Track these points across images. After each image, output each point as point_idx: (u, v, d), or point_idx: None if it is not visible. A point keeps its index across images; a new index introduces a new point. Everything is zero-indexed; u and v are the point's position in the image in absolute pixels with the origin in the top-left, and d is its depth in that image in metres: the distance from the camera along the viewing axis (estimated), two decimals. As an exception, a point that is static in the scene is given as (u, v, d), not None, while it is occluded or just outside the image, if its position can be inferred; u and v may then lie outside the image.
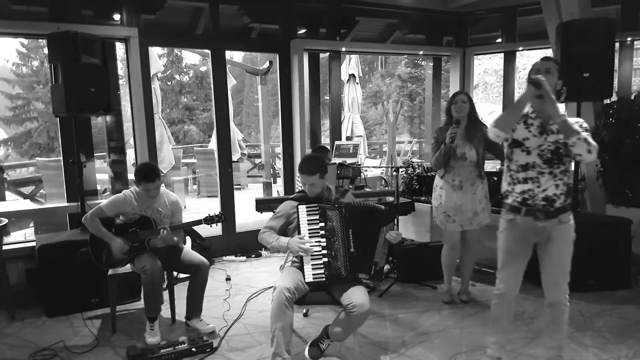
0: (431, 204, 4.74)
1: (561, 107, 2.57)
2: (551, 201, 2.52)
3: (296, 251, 2.77)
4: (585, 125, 2.53)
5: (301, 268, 2.80)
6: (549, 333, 2.67)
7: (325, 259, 2.76)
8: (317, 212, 2.81)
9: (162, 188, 3.60)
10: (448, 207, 3.68)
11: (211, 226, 3.57)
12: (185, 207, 7.80)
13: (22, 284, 4.06)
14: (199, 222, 3.46)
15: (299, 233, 2.81)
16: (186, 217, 3.65)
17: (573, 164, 2.63)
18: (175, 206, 3.58)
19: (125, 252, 3.37)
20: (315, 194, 2.92)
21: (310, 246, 2.75)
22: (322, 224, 2.79)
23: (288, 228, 2.98)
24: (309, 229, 2.80)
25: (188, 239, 4.65)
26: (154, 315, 3.32)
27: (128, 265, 3.52)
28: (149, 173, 3.38)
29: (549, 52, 5.43)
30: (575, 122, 2.51)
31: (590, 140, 2.42)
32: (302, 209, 2.83)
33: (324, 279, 2.75)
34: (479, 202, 3.69)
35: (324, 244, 2.77)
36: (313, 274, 2.75)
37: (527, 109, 2.59)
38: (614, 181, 4.62)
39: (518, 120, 2.57)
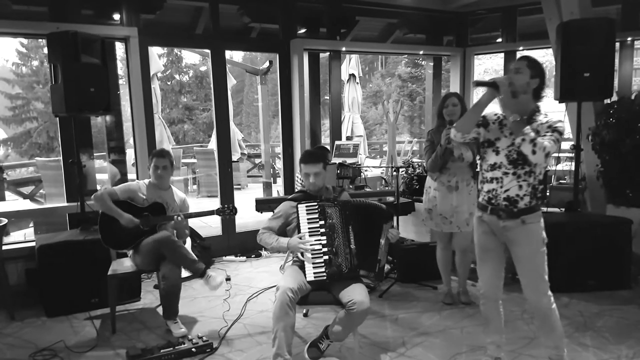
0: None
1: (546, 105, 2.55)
2: (513, 202, 2.52)
3: (297, 251, 2.78)
4: (557, 125, 2.46)
5: (302, 267, 2.80)
6: (543, 334, 2.67)
7: (326, 257, 2.76)
8: (317, 211, 2.82)
9: (172, 187, 3.72)
10: (444, 209, 3.67)
11: (222, 218, 3.66)
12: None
13: (22, 284, 4.06)
14: (210, 213, 3.58)
15: (299, 232, 2.82)
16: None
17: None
18: (183, 204, 3.71)
19: (135, 223, 3.42)
20: (317, 187, 2.94)
21: (311, 245, 2.76)
22: (322, 222, 2.80)
23: (287, 229, 2.98)
24: (309, 228, 2.81)
25: (188, 239, 4.65)
26: (173, 318, 3.39)
27: (128, 264, 3.53)
28: (162, 151, 3.66)
29: (549, 52, 5.43)
30: (546, 122, 2.47)
31: (543, 141, 2.36)
32: (302, 208, 2.84)
33: (325, 277, 2.75)
34: (473, 204, 3.68)
35: (324, 242, 2.78)
36: (314, 273, 2.75)
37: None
38: (614, 181, 4.61)
39: (478, 123, 2.57)
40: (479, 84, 2.52)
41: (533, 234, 2.54)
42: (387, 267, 4.55)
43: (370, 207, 2.90)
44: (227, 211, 3.57)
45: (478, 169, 2.73)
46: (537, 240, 2.54)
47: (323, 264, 2.76)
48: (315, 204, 2.84)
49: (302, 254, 2.78)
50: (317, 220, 2.81)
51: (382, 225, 2.82)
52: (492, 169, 2.58)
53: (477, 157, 3.74)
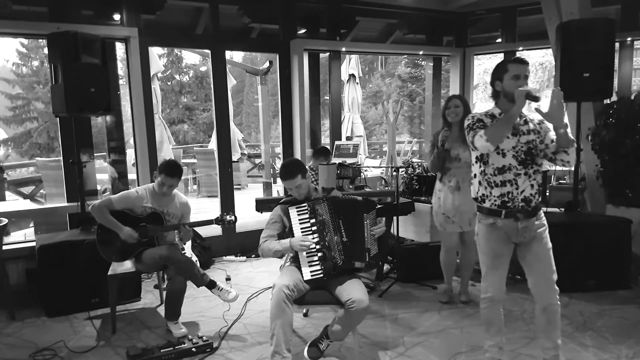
0: (431, 204, 4.74)
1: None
2: (528, 201, 2.55)
3: (299, 248, 2.79)
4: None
5: (299, 267, 2.82)
6: (545, 335, 2.67)
7: (320, 253, 2.80)
8: (307, 211, 2.86)
9: (175, 190, 3.64)
10: (447, 208, 3.69)
11: (221, 226, 3.61)
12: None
13: (22, 284, 4.06)
14: (209, 222, 3.50)
15: (292, 235, 2.86)
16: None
17: (552, 164, 2.65)
18: (185, 208, 3.64)
19: (135, 238, 3.39)
20: (303, 195, 2.96)
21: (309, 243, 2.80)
22: (313, 220, 2.85)
23: (285, 232, 3.00)
24: (301, 229, 2.85)
25: (188, 241, 4.65)
26: (175, 320, 3.40)
27: (128, 265, 3.53)
28: (174, 168, 3.47)
29: (549, 52, 5.43)
30: (536, 120, 2.55)
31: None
32: (293, 210, 2.88)
33: (322, 275, 2.77)
34: None
35: (317, 239, 2.82)
36: (311, 272, 2.78)
37: (496, 111, 2.59)
38: (614, 181, 4.61)
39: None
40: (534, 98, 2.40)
41: (545, 230, 2.60)
42: (387, 267, 4.56)
43: (351, 201, 2.97)
44: (227, 220, 3.47)
45: (476, 173, 2.68)
46: (548, 236, 2.60)
47: (318, 261, 2.79)
48: (305, 204, 2.89)
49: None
50: (308, 219, 2.86)
51: (363, 216, 2.88)
52: (501, 172, 2.55)
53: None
